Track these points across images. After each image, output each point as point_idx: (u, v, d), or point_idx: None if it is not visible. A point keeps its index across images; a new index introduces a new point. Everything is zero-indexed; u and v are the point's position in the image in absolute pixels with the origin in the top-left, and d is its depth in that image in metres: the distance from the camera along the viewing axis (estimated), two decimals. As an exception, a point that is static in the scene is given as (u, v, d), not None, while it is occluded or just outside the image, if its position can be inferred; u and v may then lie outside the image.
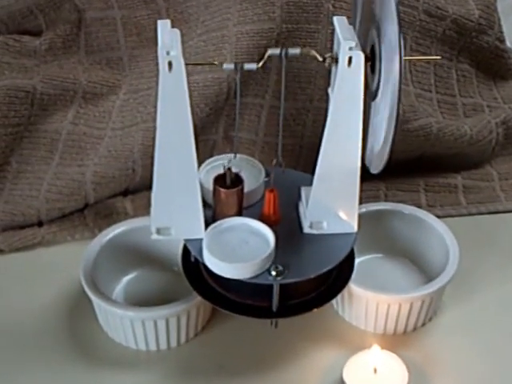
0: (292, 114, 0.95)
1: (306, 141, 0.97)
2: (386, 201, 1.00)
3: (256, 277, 0.73)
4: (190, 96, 0.66)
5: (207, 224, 0.72)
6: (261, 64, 0.70)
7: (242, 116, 0.94)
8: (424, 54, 1.03)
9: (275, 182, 0.74)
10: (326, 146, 0.73)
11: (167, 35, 0.70)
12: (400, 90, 0.67)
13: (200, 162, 0.77)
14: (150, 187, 0.71)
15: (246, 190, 0.74)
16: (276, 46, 0.91)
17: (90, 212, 0.93)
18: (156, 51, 0.65)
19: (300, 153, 0.97)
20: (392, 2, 0.66)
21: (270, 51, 0.71)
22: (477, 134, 0.99)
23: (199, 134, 0.90)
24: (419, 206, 0.97)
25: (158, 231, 0.77)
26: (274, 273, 0.74)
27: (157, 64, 0.66)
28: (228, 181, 0.74)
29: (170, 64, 0.68)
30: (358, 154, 0.71)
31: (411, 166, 1.03)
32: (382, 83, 0.71)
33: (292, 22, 0.91)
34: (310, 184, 0.73)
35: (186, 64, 0.68)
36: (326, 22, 0.92)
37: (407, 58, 0.66)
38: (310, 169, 0.75)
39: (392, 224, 0.88)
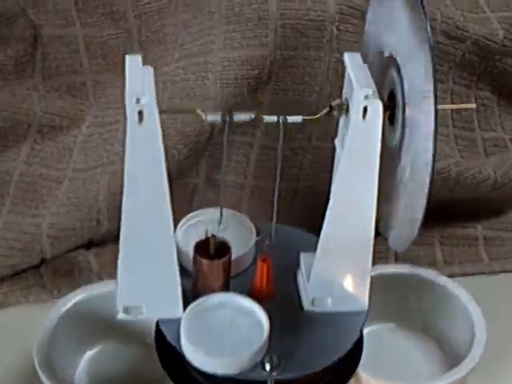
0: (286, 156, 0.83)
1: (302, 184, 0.87)
2: (396, 257, 0.88)
3: (247, 372, 0.62)
4: (166, 136, 0.58)
5: (186, 300, 0.63)
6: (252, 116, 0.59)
7: (228, 156, 0.84)
8: (440, 81, 0.90)
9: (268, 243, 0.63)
10: (333, 211, 0.62)
11: (137, 75, 0.57)
12: (435, 151, 0.54)
13: (177, 212, 0.68)
14: (118, 238, 0.61)
15: (234, 256, 0.66)
16: (269, 77, 0.80)
17: (47, 269, 0.83)
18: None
19: (294, 198, 0.87)
20: (422, 32, 0.52)
21: (266, 118, 0.60)
22: (502, 177, 0.89)
23: (176, 178, 0.82)
24: (434, 263, 0.87)
25: (126, 310, 0.65)
26: (268, 366, 0.62)
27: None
28: (212, 250, 0.65)
29: (140, 114, 0.56)
30: (372, 222, 0.61)
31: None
32: (405, 138, 0.58)
33: (288, 48, 0.79)
34: (311, 247, 0.64)
35: (161, 112, 0.56)
36: (329, 48, 0.80)
37: (440, 107, 0.55)
38: (306, 217, 0.71)
39: (406, 289, 0.79)
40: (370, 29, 0.64)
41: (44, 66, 0.87)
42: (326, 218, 0.63)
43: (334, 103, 0.60)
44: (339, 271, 0.67)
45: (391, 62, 0.60)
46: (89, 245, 0.85)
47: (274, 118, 0.59)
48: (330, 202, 0.61)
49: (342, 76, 0.74)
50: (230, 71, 0.79)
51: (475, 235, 0.91)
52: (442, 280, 0.80)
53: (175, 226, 0.71)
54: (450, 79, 0.90)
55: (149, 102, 0.56)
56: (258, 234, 0.69)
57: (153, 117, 0.57)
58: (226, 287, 0.67)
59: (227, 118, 0.60)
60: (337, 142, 0.65)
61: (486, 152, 0.94)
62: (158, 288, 0.65)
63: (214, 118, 0.60)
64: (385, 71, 0.61)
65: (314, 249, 0.64)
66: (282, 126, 0.59)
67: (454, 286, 0.78)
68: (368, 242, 0.64)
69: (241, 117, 0.60)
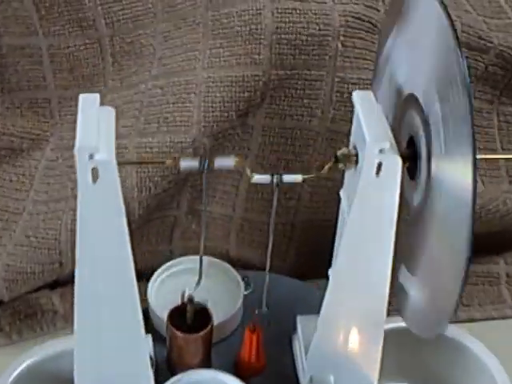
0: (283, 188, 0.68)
1: (299, 218, 0.79)
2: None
3: None
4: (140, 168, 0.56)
5: (159, 377, 0.56)
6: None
7: (214, 186, 0.77)
8: (487, 102, 0.82)
9: (256, 299, 0.58)
10: (339, 275, 0.54)
11: (92, 121, 0.47)
12: (473, 219, 0.44)
13: (155, 252, 0.67)
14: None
15: (217, 320, 0.59)
16: (262, 99, 0.72)
17: (5, 312, 0.75)
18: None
19: (292, 233, 0.80)
20: (455, 68, 0.42)
21: (256, 178, 0.50)
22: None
23: (154, 211, 0.75)
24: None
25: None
26: None
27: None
28: (189, 318, 0.57)
29: (94, 171, 0.47)
30: (385, 294, 0.53)
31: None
32: (431, 198, 0.49)
33: (285, 67, 0.71)
34: (310, 305, 0.59)
35: (120, 163, 0.47)
36: (333, 66, 0.72)
37: (480, 156, 0.47)
38: (304, 255, 0.68)
39: (420, 346, 0.69)
40: (384, 60, 0.53)
41: (3, 79, 0.79)
42: (331, 281, 0.55)
43: (340, 153, 0.51)
44: (343, 346, 0.58)
45: (412, 103, 0.50)
46: (53, 284, 0.77)
47: (267, 178, 0.47)
48: (336, 264, 0.54)
49: (349, 99, 0.66)
50: (216, 93, 0.71)
51: (497, 271, 0.83)
52: (463, 336, 0.70)
53: (150, 274, 0.67)
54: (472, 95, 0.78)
55: (105, 158, 0.46)
56: (246, 285, 0.65)
57: (111, 174, 0.47)
58: (206, 362, 0.60)
59: (205, 165, 0.49)
60: (342, 193, 0.56)
61: (509, 174, 0.84)
62: (124, 370, 0.57)
63: (189, 165, 0.50)
64: (402, 112, 0.52)
65: (314, 310, 0.57)
66: (276, 189, 0.47)
67: (477, 346, 0.69)
68: (380, 310, 0.56)
69: (223, 163, 0.50)
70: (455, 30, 0.43)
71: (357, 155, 0.51)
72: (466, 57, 0.79)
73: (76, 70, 0.79)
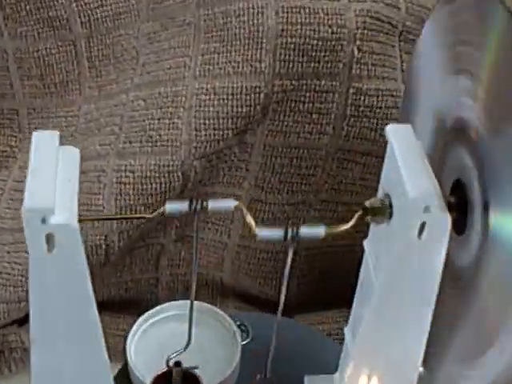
0: (285, 211, 0.69)
1: (303, 245, 0.71)
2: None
3: None
4: (122, 193, 0.57)
5: None
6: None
7: (207, 214, 0.68)
8: None
9: (256, 349, 0.53)
10: (361, 348, 0.45)
11: (47, 169, 0.37)
12: None
13: (138, 283, 0.66)
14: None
15: (210, 382, 0.52)
16: (263, 114, 0.64)
17: None
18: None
19: (294, 261, 0.71)
20: None
21: (262, 234, 0.40)
22: None
23: (137, 241, 0.69)
24: None
25: None
26: None
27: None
28: None
29: (49, 238, 0.37)
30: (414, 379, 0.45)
31: None
32: (487, 259, 0.38)
33: (291, 77, 0.63)
34: (322, 359, 0.55)
35: (82, 220, 0.38)
36: (347, 75, 0.63)
37: None
38: (307, 285, 0.68)
39: None
40: (417, 73, 0.43)
41: (-38, 87, 0.74)
42: (350, 348, 0.47)
43: (368, 203, 0.41)
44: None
45: (460, 134, 0.40)
46: (22, 320, 0.71)
47: (280, 234, 0.36)
48: (359, 330, 0.45)
49: (365, 113, 0.64)
50: (210, 107, 0.64)
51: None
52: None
53: (134, 306, 0.68)
54: None
55: (64, 221, 0.36)
56: (243, 333, 0.59)
57: (71, 241, 0.37)
58: None
59: (196, 208, 0.40)
60: (368, 246, 0.46)
61: None
62: None
63: (175, 209, 0.40)
64: (445, 147, 0.42)
65: (325, 366, 0.51)
66: (291, 247, 0.37)
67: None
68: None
69: (218, 205, 0.40)
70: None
71: (391, 207, 0.40)
72: None
73: (47, 76, 0.74)
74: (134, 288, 0.72)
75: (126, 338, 0.58)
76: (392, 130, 0.41)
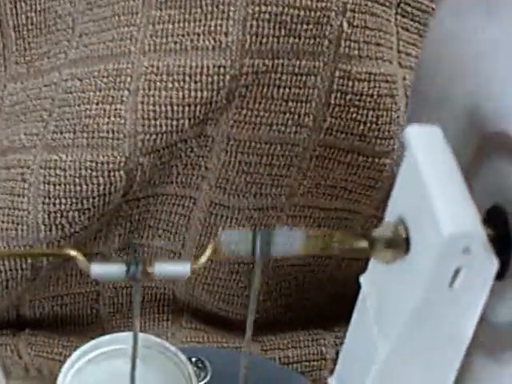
0: (251, 217, 0.61)
1: (275, 260, 0.63)
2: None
3: None
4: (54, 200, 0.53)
5: None
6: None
7: (155, 215, 0.62)
8: None
9: None
10: None
11: None
12: None
13: (77, 297, 0.59)
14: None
15: None
16: (227, 101, 0.55)
17: None
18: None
19: (264, 277, 0.64)
20: None
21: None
22: None
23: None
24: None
25: None
26: None
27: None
28: None
29: None
30: None
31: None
32: None
33: (264, 55, 0.54)
34: None
35: None
36: (334, 54, 0.55)
37: None
38: (280, 305, 0.62)
39: None
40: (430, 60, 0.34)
41: None
42: None
43: (377, 233, 0.30)
44: None
45: (502, 147, 0.30)
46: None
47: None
48: None
49: (353, 103, 0.56)
50: (161, 91, 0.55)
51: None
52: None
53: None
54: None
55: None
56: (200, 371, 0.54)
57: None
58: None
59: (135, 275, 0.30)
60: (365, 284, 0.35)
61: None
62: None
63: (105, 272, 0.30)
64: (478, 162, 0.32)
65: None
66: (259, 264, 0.30)
67: None
68: None
69: (167, 269, 0.30)
70: None
71: (408, 240, 0.29)
72: None
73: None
74: (71, 304, 0.65)
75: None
76: (414, 133, 0.30)
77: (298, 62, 0.55)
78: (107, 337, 0.52)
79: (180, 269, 0.29)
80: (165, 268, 0.29)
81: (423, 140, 0.30)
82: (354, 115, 0.55)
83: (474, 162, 0.32)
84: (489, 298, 0.31)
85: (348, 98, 0.55)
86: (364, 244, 0.30)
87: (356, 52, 0.55)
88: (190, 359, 0.51)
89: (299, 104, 0.56)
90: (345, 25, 0.54)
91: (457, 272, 0.28)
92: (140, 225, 0.62)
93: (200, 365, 0.54)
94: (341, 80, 0.56)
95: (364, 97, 0.55)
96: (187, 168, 0.59)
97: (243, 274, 0.64)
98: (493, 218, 0.30)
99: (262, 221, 0.61)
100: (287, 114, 0.57)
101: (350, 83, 0.55)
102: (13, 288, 0.59)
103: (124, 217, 0.62)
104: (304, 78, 0.55)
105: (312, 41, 0.54)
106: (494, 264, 0.27)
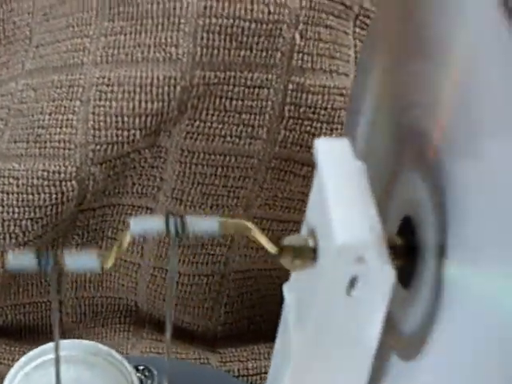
0: (203, 246, 0.60)
1: (231, 268, 0.63)
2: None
3: None
4: None
5: None
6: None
7: (114, 225, 0.60)
8: None
9: None
10: None
11: None
12: None
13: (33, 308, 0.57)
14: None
15: None
16: (179, 112, 0.53)
17: None
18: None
19: (221, 286, 0.64)
20: None
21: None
22: None
23: None
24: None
25: None
26: None
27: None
28: None
29: None
30: None
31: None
32: (439, 321, 0.28)
33: (216, 67, 0.53)
34: None
35: None
36: (286, 67, 0.54)
37: None
38: (237, 314, 0.60)
39: None
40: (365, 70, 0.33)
41: None
42: None
43: (287, 241, 0.31)
44: None
45: (414, 159, 0.30)
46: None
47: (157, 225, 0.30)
48: None
49: (307, 115, 0.55)
50: (112, 101, 0.54)
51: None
52: None
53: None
54: None
55: None
56: (147, 378, 0.52)
57: None
58: None
59: (47, 267, 0.30)
60: (288, 292, 0.36)
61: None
62: None
63: (21, 264, 0.30)
64: (395, 174, 0.31)
65: None
66: (175, 241, 0.29)
67: None
68: None
69: (79, 262, 0.30)
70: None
71: (315, 249, 0.29)
72: None
73: None
74: (33, 312, 0.64)
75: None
76: (322, 146, 0.29)
77: (250, 75, 0.54)
78: (53, 343, 0.52)
79: (90, 262, 0.29)
80: (76, 261, 0.29)
81: (331, 153, 0.30)
82: (308, 128, 0.54)
83: (393, 174, 0.32)
84: (398, 306, 0.31)
85: (302, 110, 0.54)
86: (272, 249, 0.30)
87: (309, 65, 0.54)
88: (136, 367, 0.51)
89: (253, 116, 0.55)
90: (297, 37, 0.53)
91: (354, 280, 0.28)
92: (97, 235, 0.61)
93: (147, 373, 0.52)
94: (294, 92, 0.54)
95: (318, 109, 0.54)
96: (142, 178, 0.58)
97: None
98: (404, 229, 0.30)
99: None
100: (241, 126, 0.55)
101: (304, 96, 0.54)
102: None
103: (80, 226, 0.60)
104: (257, 90, 0.54)
105: (264, 53, 0.53)
106: (390, 274, 0.27)
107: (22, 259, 0.29)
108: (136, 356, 0.56)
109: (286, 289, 0.35)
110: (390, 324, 0.31)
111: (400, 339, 0.31)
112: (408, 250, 0.30)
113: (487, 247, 0.25)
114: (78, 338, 0.65)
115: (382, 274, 0.27)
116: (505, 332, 0.24)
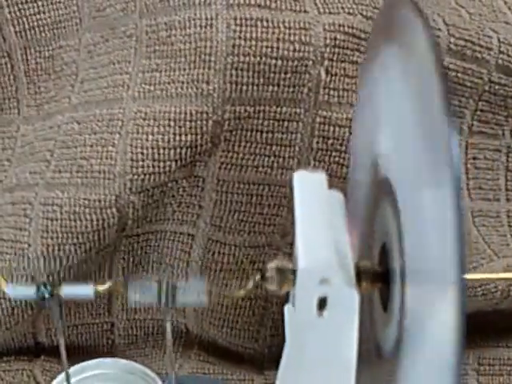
0: (248, 254, 0.60)
1: None
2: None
3: None
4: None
5: None
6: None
7: (159, 251, 0.61)
8: (493, 137, 0.63)
9: None
10: None
11: None
12: None
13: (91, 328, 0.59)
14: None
15: None
16: (213, 144, 0.55)
17: None
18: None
19: (265, 310, 0.64)
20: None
21: None
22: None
23: None
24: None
25: None
26: None
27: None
28: None
29: None
30: None
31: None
32: (403, 342, 0.30)
33: (245, 102, 0.54)
34: None
35: None
36: (314, 102, 0.55)
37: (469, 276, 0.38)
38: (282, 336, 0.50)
39: None
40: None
41: None
42: None
43: (270, 266, 0.33)
44: None
45: (386, 190, 0.33)
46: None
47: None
48: None
49: (335, 146, 0.56)
50: (148, 134, 0.55)
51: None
52: None
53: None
54: (507, 133, 0.63)
55: None
56: None
57: None
58: None
59: (45, 295, 0.32)
60: (287, 308, 0.37)
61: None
62: None
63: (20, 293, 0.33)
64: (376, 205, 0.34)
65: None
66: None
67: None
68: None
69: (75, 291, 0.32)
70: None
71: (294, 273, 0.32)
72: (501, 85, 0.60)
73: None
74: (86, 333, 0.65)
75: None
76: (299, 179, 0.32)
77: (278, 109, 0.55)
78: (93, 361, 0.53)
79: (85, 292, 0.31)
80: (71, 290, 0.31)
81: (307, 185, 0.32)
82: (337, 159, 0.55)
83: (374, 205, 0.34)
84: (379, 328, 0.33)
85: (330, 142, 0.55)
86: (257, 276, 0.32)
87: (336, 99, 0.54)
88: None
89: (283, 148, 0.56)
90: (323, 73, 0.54)
91: (323, 302, 0.30)
92: (143, 259, 0.62)
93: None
94: (322, 125, 0.55)
95: (345, 141, 0.55)
96: (182, 206, 0.59)
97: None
98: (381, 255, 0.32)
99: (260, 258, 0.61)
100: (272, 157, 0.56)
101: (331, 128, 0.55)
102: (18, 315, 0.59)
103: (126, 251, 0.61)
104: (286, 123, 0.55)
105: (291, 89, 0.54)
106: (354, 295, 0.29)
107: (21, 291, 0.31)
108: (179, 375, 0.58)
109: (286, 307, 0.37)
110: (378, 347, 0.33)
111: (383, 360, 0.33)
112: (384, 275, 0.32)
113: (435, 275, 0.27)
114: (129, 358, 0.67)
115: (347, 296, 0.29)
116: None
